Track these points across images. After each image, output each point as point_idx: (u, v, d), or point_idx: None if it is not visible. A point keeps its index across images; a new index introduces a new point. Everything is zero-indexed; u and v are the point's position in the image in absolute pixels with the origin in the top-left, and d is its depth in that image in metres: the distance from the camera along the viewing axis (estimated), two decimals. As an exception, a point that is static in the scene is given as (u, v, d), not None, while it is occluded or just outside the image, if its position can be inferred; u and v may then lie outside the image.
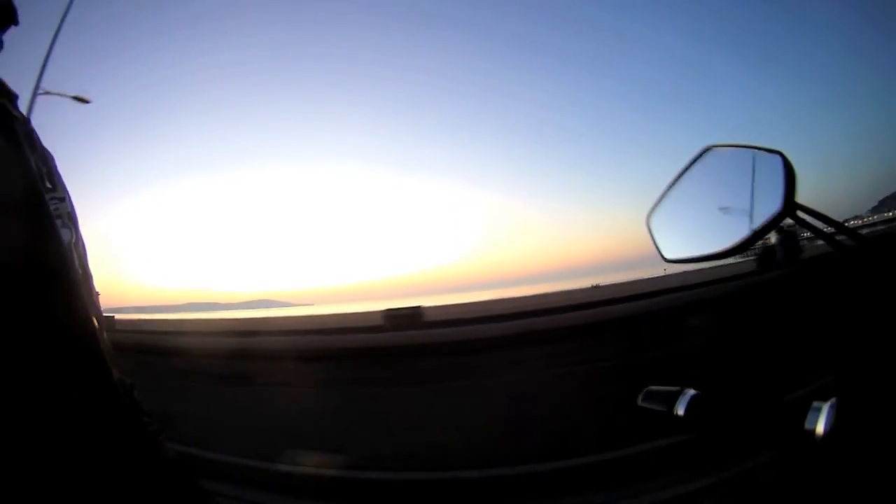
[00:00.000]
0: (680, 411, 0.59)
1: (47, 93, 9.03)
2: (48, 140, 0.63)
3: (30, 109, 8.45)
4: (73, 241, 0.59)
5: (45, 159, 0.60)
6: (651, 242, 0.69)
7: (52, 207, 0.56)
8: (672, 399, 0.61)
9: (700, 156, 0.61)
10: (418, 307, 6.35)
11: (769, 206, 0.48)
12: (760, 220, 0.49)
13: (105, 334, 0.66)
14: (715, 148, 0.60)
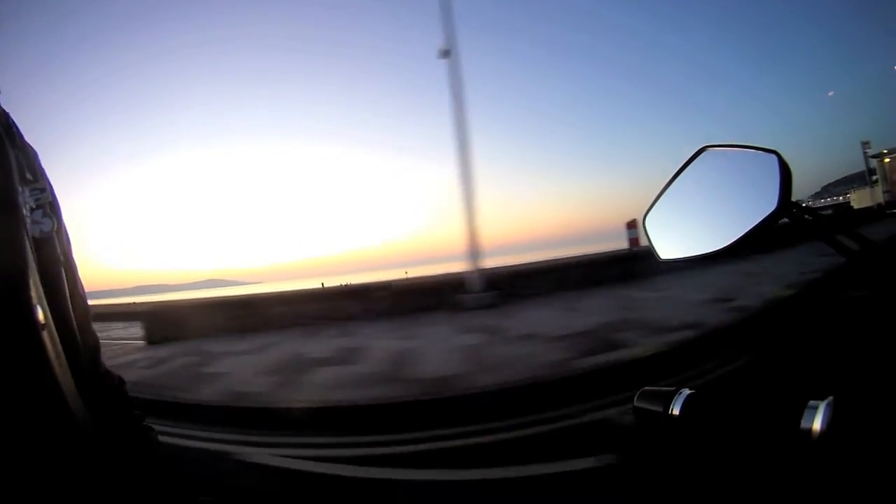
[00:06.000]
0: (675, 411, 0.60)
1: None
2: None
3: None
4: (56, 229, 0.59)
5: (27, 153, 0.61)
6: (647, 243, 0.69)
7: (33, 198, 0.57)
8: (668, 399, 0.61)
9: (695, 157, 0.61)
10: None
11: (765, 205, 0.48)
12: (756, 219, 0.49)
13: (91, 326, 0.65)
14: (710, 148, 0.60)
